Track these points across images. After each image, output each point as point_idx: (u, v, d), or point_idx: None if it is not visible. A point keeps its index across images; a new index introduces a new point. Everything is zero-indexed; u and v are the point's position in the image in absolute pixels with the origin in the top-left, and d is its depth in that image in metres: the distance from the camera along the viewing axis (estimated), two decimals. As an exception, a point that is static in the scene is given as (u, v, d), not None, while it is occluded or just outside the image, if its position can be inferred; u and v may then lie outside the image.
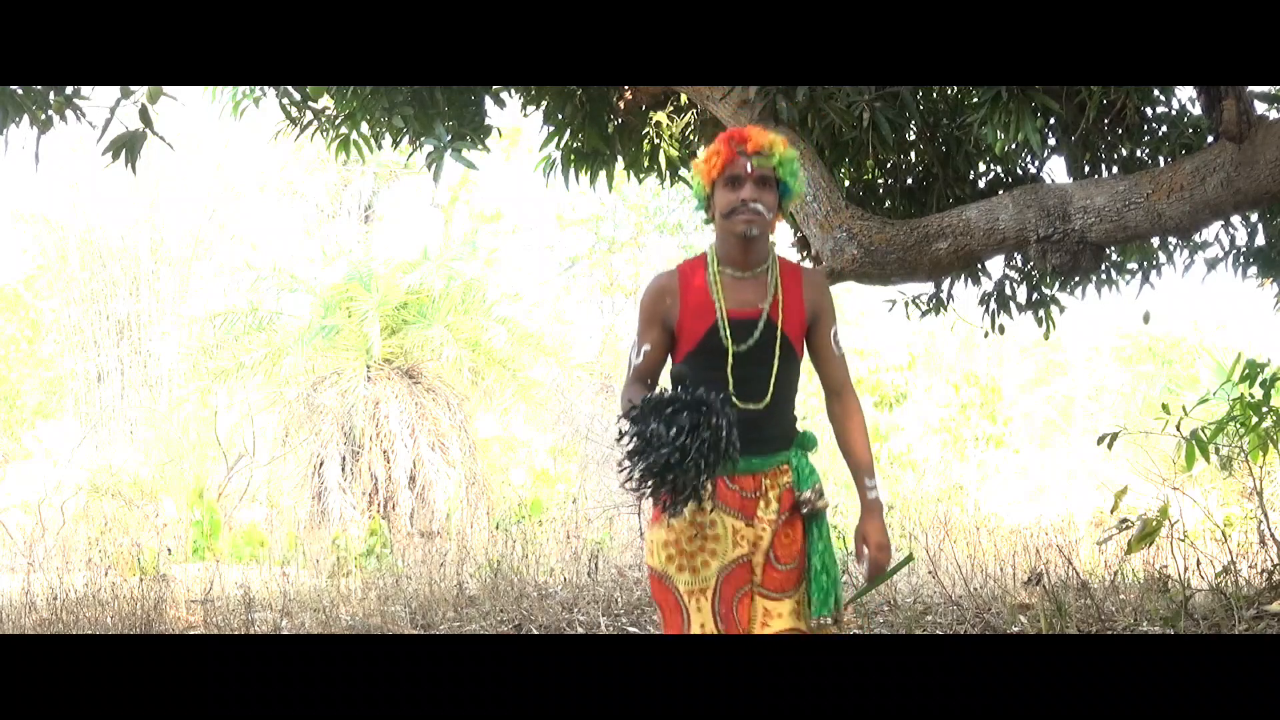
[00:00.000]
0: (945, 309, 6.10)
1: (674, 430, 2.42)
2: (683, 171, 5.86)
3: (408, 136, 5.29)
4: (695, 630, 2.67)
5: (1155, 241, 5.56)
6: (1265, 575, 4.92)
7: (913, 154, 5.60)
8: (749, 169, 2.66)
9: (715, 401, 2.45)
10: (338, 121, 5.45)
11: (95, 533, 10.76)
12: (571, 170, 5.60)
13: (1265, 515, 4.93)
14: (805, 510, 2.73)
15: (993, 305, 5.89)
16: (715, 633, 2.66)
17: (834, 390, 2.84)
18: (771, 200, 2.70)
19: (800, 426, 2.83)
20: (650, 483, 2.43)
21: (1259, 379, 4.81)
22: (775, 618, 2.72)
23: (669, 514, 2.56)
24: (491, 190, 22.34)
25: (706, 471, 2.44)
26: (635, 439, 2.44)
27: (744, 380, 2.69)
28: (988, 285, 5.88)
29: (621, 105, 5.57)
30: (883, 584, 4.93)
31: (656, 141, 5.78)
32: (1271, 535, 4.85)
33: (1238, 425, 4.83)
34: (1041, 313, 5.93)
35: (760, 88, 4.62)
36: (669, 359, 2.80)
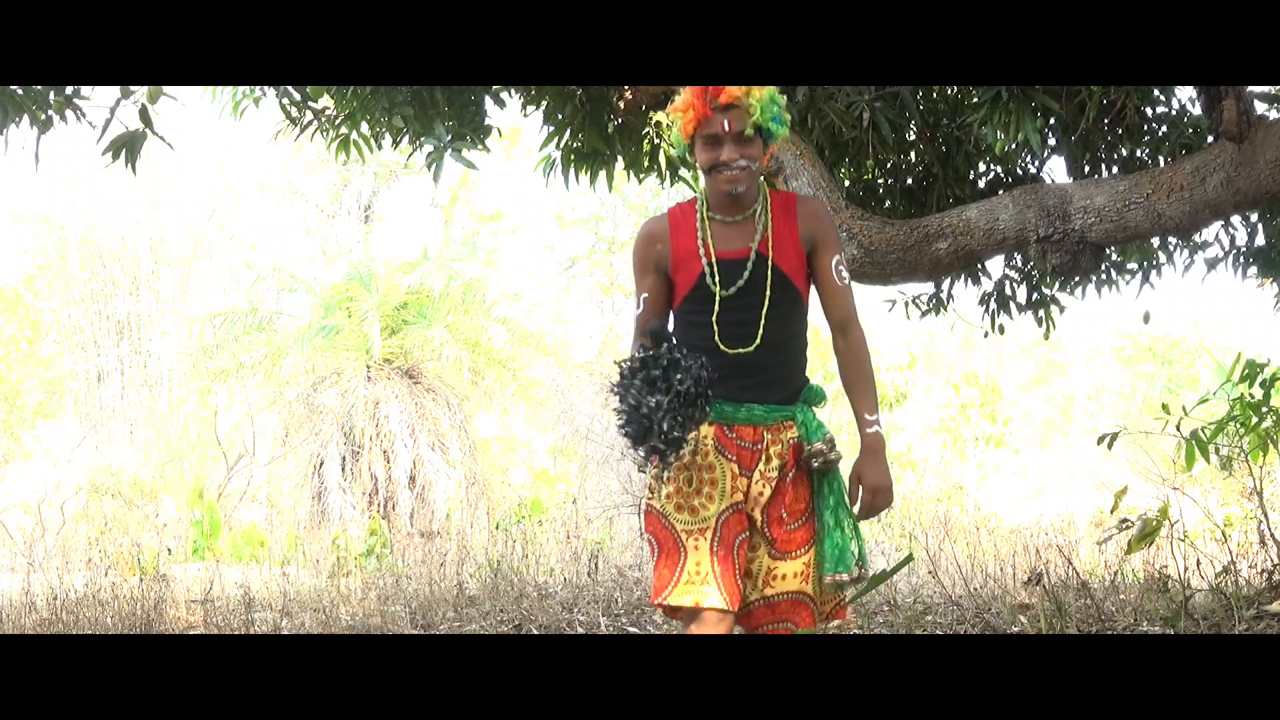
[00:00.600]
0: (945, 309, 6.10)
1: (648, 397, 2.45)
2: (683, 171, 5.86)
3: (408, 136, 5.29)
4: (690, 568, 2.61)
5: (1155, 241, 5.56)
6: (1265, 575, 4.92)
7: (913, 154, 5.60)
8: (726, 126, 2.56)
9: (686, 361, 2.46)
10: (338, 121, 5.45)
11: (95, 533, 10.77)
12: (571, 170, 5.60)
13: (1265, 515, 4.93)
14: (817, 463, 2.64)
15: (993, 305, 5.89)
16: (711, 572, 2.59)
17: (838, 323, 2.72)
18: (755, 152, 2.61)
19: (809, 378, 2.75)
20: (640, 449, 2.50)
21: (1259, 379, 4.81)
22: (779, 579, 2.65)
23: (662, 470, 2.60)
24: (491, 190, 22.37)
25: (679, 429, 2.46)
26: (620, 411, 2.49)
27: (731, 324, 2.61)
28: (988, 285, 5.88)
29: (621, 105, 5.57)
30: (882, 584, 4.94)
31: (656, 141, 5.78)
32: (1271, 535, 4.85)
33: (1238, 425, 4.82)
34: (1041, 313, 5.93)
35: (760, 88, 4.62)
36: (670, 304, 2.74)
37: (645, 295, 2.73)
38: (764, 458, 2.65)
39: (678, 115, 2.63)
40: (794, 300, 2.66)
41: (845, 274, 2.70)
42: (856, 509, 2.68)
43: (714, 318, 2.61)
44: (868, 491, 2.67)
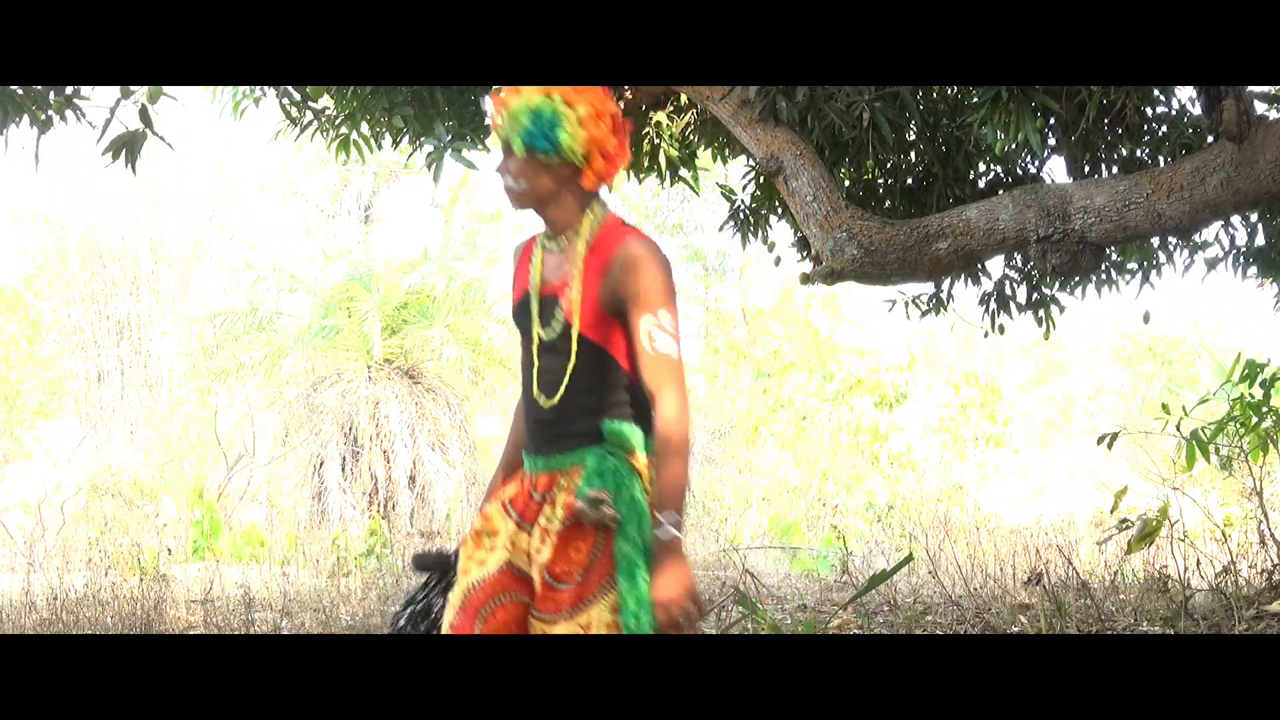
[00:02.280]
0: (945, 309, 6.09)
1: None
2: (683, 171, 5.86)
3: (408, 136, 5.29)
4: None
5: (1155, 241, 5.56)
6: (1265, 575, 4.92)
7: (913, 154, 5.59)
8: (498, 133, 2.28)
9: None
10: (338, 121, 5.45)
11: (95, 533, 10.79)
12: (571, 170, 5.59)
13: (1265, 515, 4.94)
14: (589, 519, 2.29)
15: (993, 305, 5.89)
16: None
17: (648, 395, 2.28)
18: (523, 171, 2.30)
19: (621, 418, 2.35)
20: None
21: (1259, 379, 4.82)
22: None
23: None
24: (491, 190, 22.35)
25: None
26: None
27: (545, 370, 2.35)
28: (988, 285, 5.88)
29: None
30: (882, 584, 4.94)
31: (656, 141, 5.78)
32: (1271, 535, 4.85)
33: (1238, 425, 4.83)
34: (1041, 313, 5.92)
35: (760, 88, 4.62)
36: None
37: None
38: (549, 506, 2.35)
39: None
40: (593, 351, 2.31)
41: (661, 340, 2.25)
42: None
43: (535, 353, 2.37)
44: (659, 608, 2.26)
